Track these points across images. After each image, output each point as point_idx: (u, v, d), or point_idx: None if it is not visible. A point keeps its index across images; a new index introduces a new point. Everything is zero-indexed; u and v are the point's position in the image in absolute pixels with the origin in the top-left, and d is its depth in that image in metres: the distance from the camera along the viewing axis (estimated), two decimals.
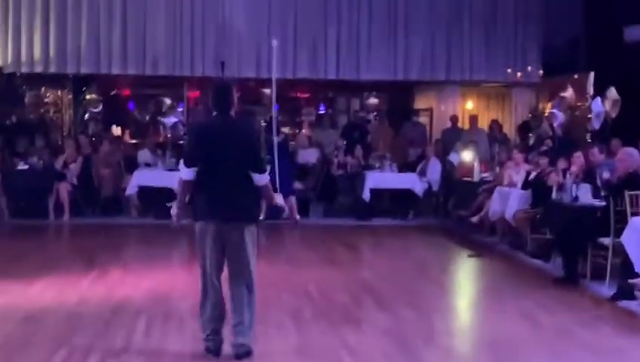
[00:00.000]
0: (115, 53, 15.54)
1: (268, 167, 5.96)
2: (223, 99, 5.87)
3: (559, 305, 7.81)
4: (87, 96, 18.36)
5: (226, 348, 5.81)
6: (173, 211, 5.96)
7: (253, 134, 5.94)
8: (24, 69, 15.62)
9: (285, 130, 19.47)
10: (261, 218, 6.73)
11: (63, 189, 13.45)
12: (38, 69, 15.55)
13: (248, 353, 5.74)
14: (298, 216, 13.10)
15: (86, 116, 18.16)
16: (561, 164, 10.46)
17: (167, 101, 18.77)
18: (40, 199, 13.54)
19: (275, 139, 11.27)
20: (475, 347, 6.60)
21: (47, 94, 17.69)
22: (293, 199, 12.92)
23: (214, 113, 5.92)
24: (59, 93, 17.75)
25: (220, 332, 5.83)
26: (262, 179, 5.79)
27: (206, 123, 6.52)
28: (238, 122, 5.99)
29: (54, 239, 12.59)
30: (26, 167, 13.57)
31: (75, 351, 5.85)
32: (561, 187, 9.87)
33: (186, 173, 5.81)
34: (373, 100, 18.40)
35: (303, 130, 19.32)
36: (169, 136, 16.66)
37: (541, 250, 10.17)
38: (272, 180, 12.30)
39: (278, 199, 6.12)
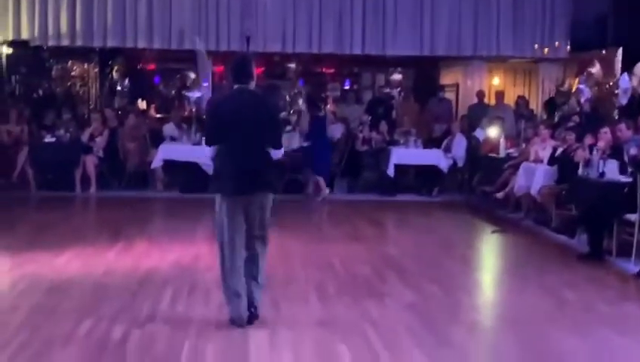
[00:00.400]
0: (141, 26, 15.56)
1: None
2: (242, 73, 6.01)
3: (584, 282, 7.79)
4: (114, 70, 18.44)
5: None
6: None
7: (272, 108, 6.17)
8: (51, 43, 15.69)
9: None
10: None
11: (90, 162, 13.54)
12: (65, 42, 15.62)
13: (257, 316, 5.97)
14: (327, 191, 13.18)
15: (118, 88, 18.23)
16: (588, 139, 10.38)
17: (192, 75, 18.79)
18: (67, 172, 13.64)
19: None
20: (498, 322, 6.60)
21: (74, 67, 17.80)
22: (322, 179, 13.01)
23: (234, 86, 6.05)
24: (85, 66, 17.85)
25: (242, 302, 5.91)
26: (277, 154, 6.00)
27: (225, 97, 6.58)
28: (257, 95, 6.13)
29: (81, 211, 12.69)
30: (53, 139, 13.66)
31: (101, 321, 5.92)
32: (587, 163, 9.81)
33: (209, 151, 6.01)
34: (397, 76, 18.26)
35: (328, 106, 19.32)
36: (193, 110, 16.69)
37: (566, 226, 10.12)
38: (309, 157, 12.46)
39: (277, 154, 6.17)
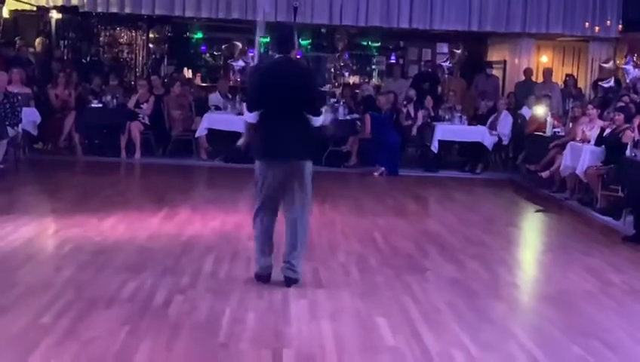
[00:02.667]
0: None
1: (323, 110, 6.26)
2: (284, 43, 6.19)
3: (628, 264, 7.71)
4: (159, 38, 18.54)
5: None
6: (241, 142, 6.29)
7: (311, 77, 6.37)
8: (100, 9, 15.81)
9: (355, 78, 19.50)
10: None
11: (135, 128, 13.64)
12: (114, 9, 15.73)
13: (297, 280, 6.11)
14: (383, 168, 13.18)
15: (156, 56, 18.34)
16: (637, 120, 10.21)
17: (239, 45, 18.82)
18: (112, 137, 13.79)
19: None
20: (539, 300, 6.55)
21: (122, 34, 17.94)
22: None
23: (276, 56, 6.25)
24: (133, 33, 17.97)
25: (269, 258, 6.18)
26: (317, 121, 6.09)
27: (266, 66, 6.79)
28: (297, 64, 6.37)
29: (125, 177, 12.83)
30: (100, 105, 13.79)
31: (143, 285, 6.00)
32: (636, 144, 9.66)
33: (248, 116, 6.16)
34: (455, 50, 18.07)
35: (372, 80, 19.27)
36: (238, 80, 16.74)
37: (612, 207, 9.97)
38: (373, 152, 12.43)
39: (326, 118, 6.31)
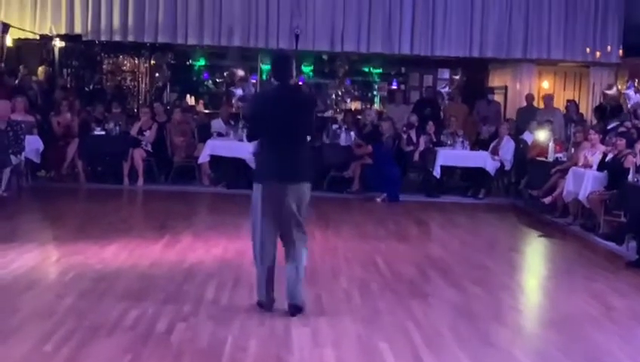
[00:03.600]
0: (192, 23, 15.70)
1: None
2: (282, 70, 6.22)
3: (631, 289, 7.69)
4: (162, 65, 18.65)
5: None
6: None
7: (310, 104, 6.50)
8: (103, 37, 15.91)
9: (357, 104, 19.58)
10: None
11: (138, 155, 13.68)
12: (117, 37, 15.82)
13: (302, 309, 6.09)
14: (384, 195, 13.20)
15: (159, 84, 18.44)
16: (639, 145, 10.22)
17: (240, 72, 18.93)
18: (115, 164, 13.82)
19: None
20: (543, 325, 6.52)
21: (125, 62, 18.04)
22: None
23: (275, 83, 6.28)
24: (136, 61, 18.08)
25: (271, 290, 6.15)
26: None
27: (265, 93, 6.86)
28: (296, 91, 6.52)
29: (128, 204, 12.83)
30: (103, 132, 13.83)
31: (145, 312, 5.98)
32: (638, 169, 9.65)
33: (250, 146, 6.40)
34: (455, 76, 18.15)
35: (374, 106, 19.32)
36: (238, 106, 16.81)
37: (615, 232, 9.96)
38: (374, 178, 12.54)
39: None
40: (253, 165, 6.53)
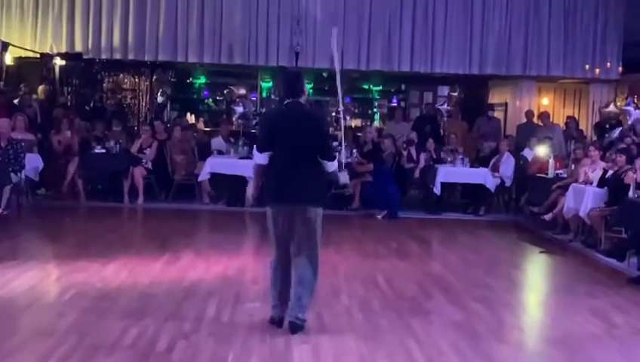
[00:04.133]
0: (192, 41, 15.73)
1: (336, 155, 6.33)
2: (293, 88, 6.19)
3: (633, 306, 7.67)
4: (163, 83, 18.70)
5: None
6: (249, 192, 6.34)
7: (321, 122, 6.41)
8: (103, 56, 15.94)
9: (357, 122, 19.60)
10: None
11: (138, 173, 13.69)
12: (117, 55, 15.85)
13: (302, 327, 6.05)
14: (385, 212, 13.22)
15: (159, 99, 18.45)
16: (639, 162, 10.22)
17: (240, 90, 18.98)
18: (115, 182, 13.82)
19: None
20: (545, 343, 6.49)
21: (125, 80, 18.08)
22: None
23: (285, 101, 6.21)
24: (136, 79, 18.12)
25: (284, 306, 6.15)
26: (332, 166, 6.13)
27: (277, 111, 6.86)
28: (308, 110, 6.39)
29: (128, 222, 12.83)
30: (103, 150, 13.84)
31: (146, 331, 5.96)
32: (638, 186, 9.65)
33: (259, 157, 6.15)
34: (453, 93, 18.20)
35: (375, 123, 19.35)
36: (239, 124, 16.83)
37: (616, 248, 9.93)
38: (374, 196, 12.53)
39: (342, 178, 6.40)
40: (254, 182, 6.49)
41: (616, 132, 14.09)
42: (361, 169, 13.74)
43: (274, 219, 6.07)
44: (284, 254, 6.11)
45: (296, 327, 6.03)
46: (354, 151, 14.26)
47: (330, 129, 18.53)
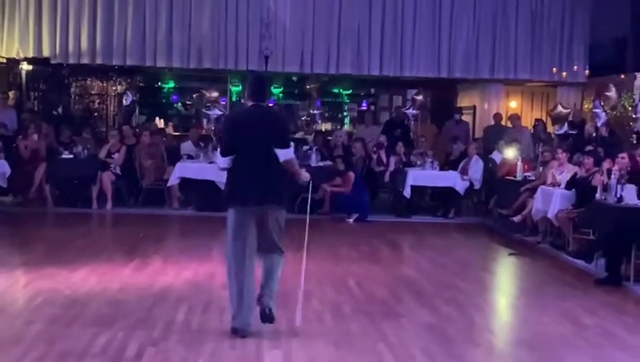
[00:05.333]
0: (161, 45, 15.66)
1: (292, 144, 6.27)
2: (257, 91, 6.22)
3: (601, 307, 7.72)
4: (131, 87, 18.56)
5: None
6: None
7: (283, 123, 6.49)
8: (71, 60, 15.81)
9: (327, 125, 19.62)
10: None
11: (107, 179, 13.59)
12: (85, 60, 15.74)
13: (273, 318, 6.09)
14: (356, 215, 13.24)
15: (125, 101, 18.31)
16: (606, 164, 10.32)
17: (213, 93, 18.90)
18: (84, 188, 13.70)
19: None
20: (515, 345, 6.53)
21: (93, 85, 17.94)
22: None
23: (249, 104, 6.24)
24: (104, 84, 17.99)
25: (248, 314, 6.06)
26: (286, 153, 6.07)
27: (240, 113, 6.84)
28: (270, 112, 6.44)
29: (97, 228, 12.71)
30: (71, 156, 13.72)
31: (115, 337, 5.92)
32: (605, 187, 9.74)
33: (222, 161, 6.17)
34: (419, 96, 18.26)
35: (345, 127, 19.38)
36: (213, 128, 16.76)
37: (584, 250, 10.03)
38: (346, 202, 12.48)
39: (303, 175, 6.32)
40: (222, 186, 6.48)
41: (563, 128, 14.38)
42: (339, 189, 13.65)
43: (239, 222, 6.03)
44: (245, 258, 6.04)
45: (271, 319, 6.08)
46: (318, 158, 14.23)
47: (301, 133, 18.60)
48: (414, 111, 16.96)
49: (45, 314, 6.54)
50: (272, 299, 6.14)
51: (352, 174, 13.57)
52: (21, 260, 9.15)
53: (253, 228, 6.04)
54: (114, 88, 18.17)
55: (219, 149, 6.36)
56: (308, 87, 19.47)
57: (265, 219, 6.04)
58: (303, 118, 20.13)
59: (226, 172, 6.26)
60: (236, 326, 6.06)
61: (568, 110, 15.50)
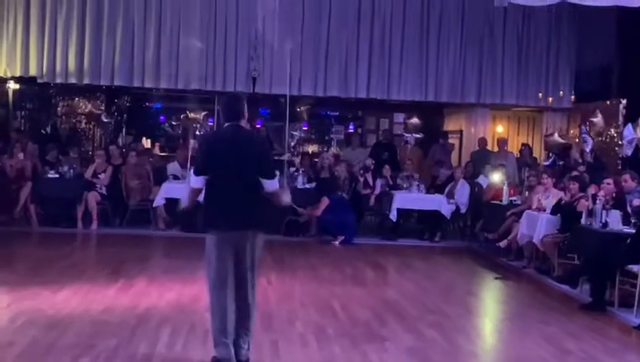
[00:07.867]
0: (148, 66, 15.65)
1: (277, 173, 6.10)
2: (232, 111, 6.04)
3: (585, 332, 7.73)
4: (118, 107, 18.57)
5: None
6: (183, 206, 6.19)
7: (261, 144, 6.15)
8: (59, 80, 15.75)
9: (314, 147, 19.63)
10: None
11: (92, 199, 13.54)
12: (72, 80, 15.69)
13: (248, 360, 5.84)
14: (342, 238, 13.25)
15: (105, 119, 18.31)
16: (591, 189, 10.38)
17: (199, 115, 18.90)
18: (69, 208, 13.64)
19: None
20: None
21: (80, 105, 17.92)
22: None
23: (225, 124, 6.06)
24: (91, 103, 17.97)
25: (229, 342, 5.80)
26: (272, 184, 5.91)
27: (216, 133, 6.72)
28: (246, 132, 6.13)
29: (82, 248, 12.63)
30: (57, 175, 13.67)
31: (98, 359, 5.88)
32: (590, 213, 9.78)
33: (195, 181, 5.97)
34: (414, 120, 18.34)
35: (332, 149, 19.38)
36: (196, 148, 16.74)
37: (569, 275, 10.05)
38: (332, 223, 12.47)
39: (286, 197, 6.19)
40: (188, 202, 6.29)
41: (550, 160, 14.53)
42: (315, 212, 13.67)
43: (218, 248, 5.82)
44: (226, 284, 5.80)
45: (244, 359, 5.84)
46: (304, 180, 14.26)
47: (287, 155, 18.58)
48: (409, 135, 17.06)
49: (27, 335, 6.49)
50: (250, 339, 5.89)
51: (325, 199, 13.56)
52: (3, 280, 9.04)
53: (231, 253, 5.82)
54: (101, 108, 18.13)
55: (192, 169, 6.23)
56: (298, 109, 19.49)
57: (242, 243, 5.82)
58: (290, 140, 20.11)
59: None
60: (219, 356, 5.79)
61: (564, 141, 15.53)
